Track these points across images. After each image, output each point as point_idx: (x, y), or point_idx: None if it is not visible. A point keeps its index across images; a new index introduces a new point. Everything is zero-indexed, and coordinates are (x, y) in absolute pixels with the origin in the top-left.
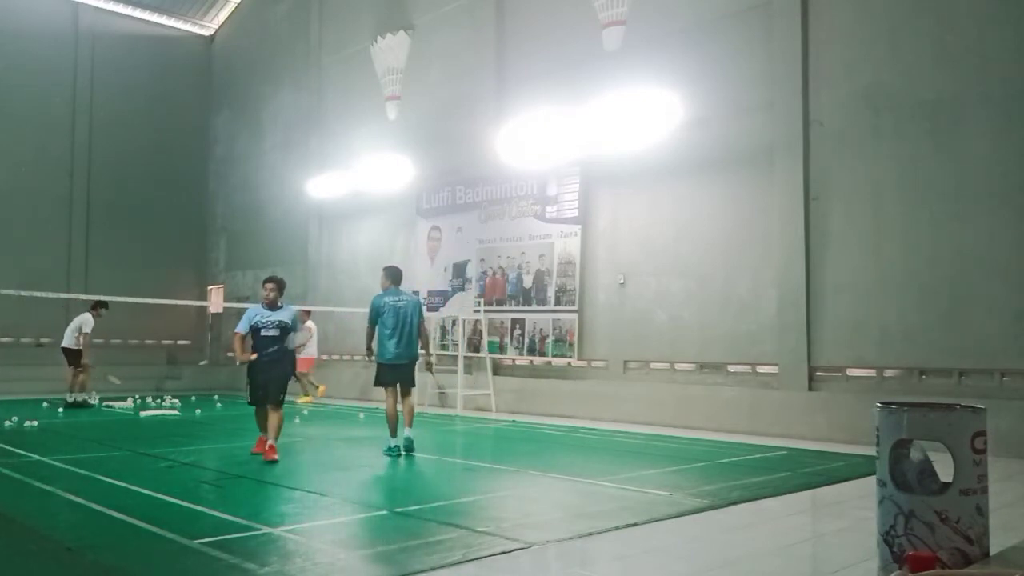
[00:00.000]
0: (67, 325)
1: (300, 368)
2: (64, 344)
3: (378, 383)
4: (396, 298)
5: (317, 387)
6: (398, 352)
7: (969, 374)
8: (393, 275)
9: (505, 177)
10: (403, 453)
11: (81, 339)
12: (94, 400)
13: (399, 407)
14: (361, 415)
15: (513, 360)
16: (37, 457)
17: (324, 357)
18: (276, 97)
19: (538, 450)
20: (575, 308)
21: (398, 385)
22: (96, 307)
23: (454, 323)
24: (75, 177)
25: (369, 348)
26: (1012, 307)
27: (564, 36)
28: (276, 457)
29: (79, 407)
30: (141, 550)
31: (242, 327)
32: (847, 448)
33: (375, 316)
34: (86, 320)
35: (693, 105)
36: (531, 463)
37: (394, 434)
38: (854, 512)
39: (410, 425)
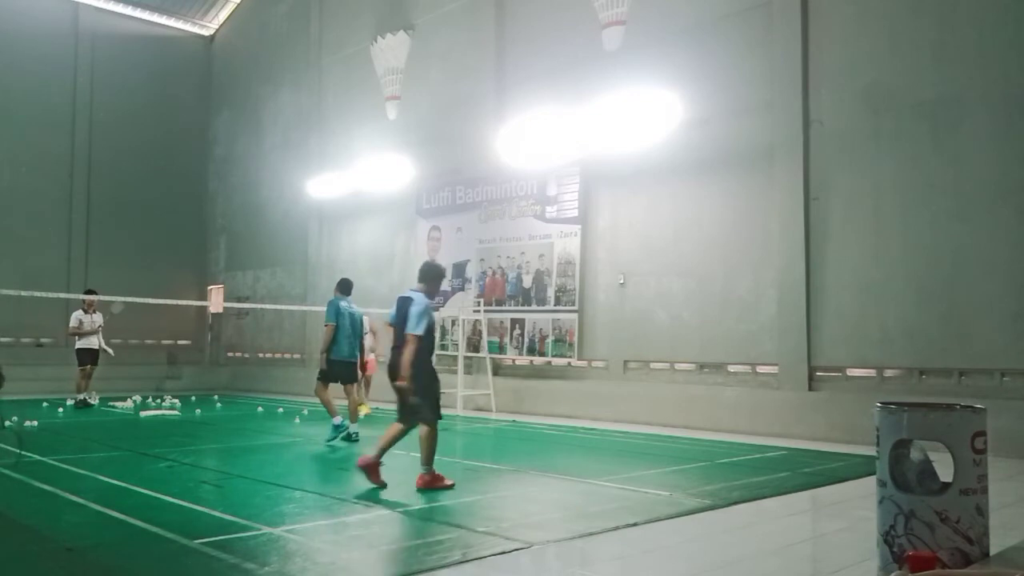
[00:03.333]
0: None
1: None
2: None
3: (328, 379)
4: (348, 306)
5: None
6: (351, 351)
7: (969, 374)
8: (345, 286)
9: (505, 177)
10: (347, 438)
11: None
12: (94, 400)
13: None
14: (361, 414)
15: (513, 360)
16: (37, 457)
17: None
18: (276, 97)
19: (538, 450)
20: (575, 308)
21: (340, 381)
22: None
23: (454, 323)
24: (75, 177)
25: (327, 348)
26: (1012, 307)
27: (564, 36)
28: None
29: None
30: (141, 550)
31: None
32: (847, 448)
33: (335, 316)
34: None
35: (693, 105)
36: (531, 463)
37: (335, 414)
38: (854, 512)
39: (354, 420)
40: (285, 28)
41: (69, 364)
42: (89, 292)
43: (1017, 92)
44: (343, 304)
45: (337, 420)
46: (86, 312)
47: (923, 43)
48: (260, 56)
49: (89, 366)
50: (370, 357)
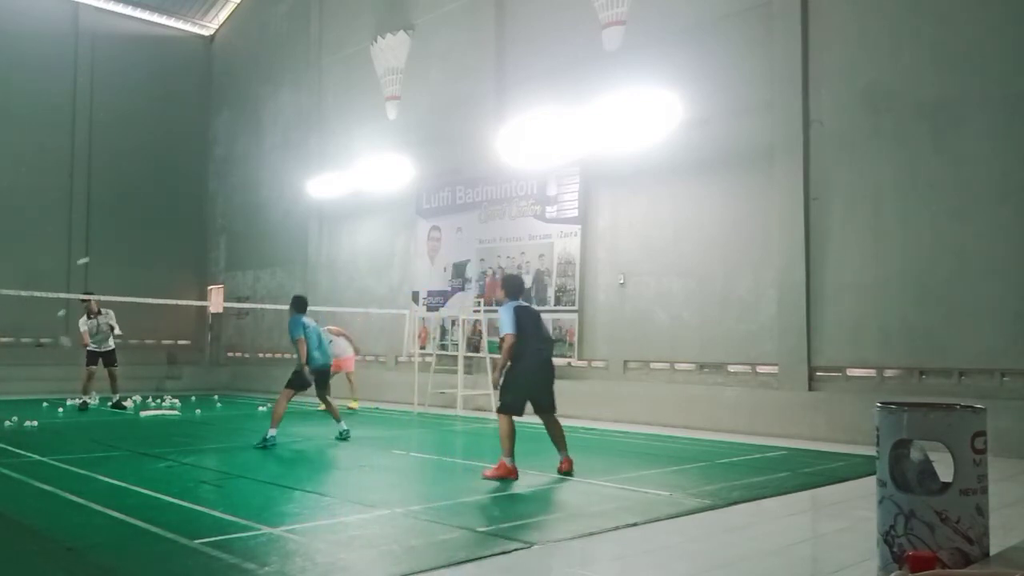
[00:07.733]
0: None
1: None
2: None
3: (301, 386)
4: (309, 320)
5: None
6: (326, 360)
7: (969, 374)
8: (301, 304)
9: (505, 177)
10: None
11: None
12: (93, 400)
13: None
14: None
15: None
16: (37, 457)
17: None
18: (276, 97)
19: (538, 450)
20: (575, 308)
21: (315, 386)
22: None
23: (454, 323)
24: (75, 177)
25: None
26: (1012, 307)
27: (564, 36)
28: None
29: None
30: (141, 550)
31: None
32: (847, 448)
33: (303, 330)
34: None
35: (693, 105)
36: (531, 463)
37: (276, 426)
38: (854, 512)
39: (339, 419)
40: (285, 28)
41: (69, 364)
42: (87, 294)
43: (1017, 92)
44: (305, 319)
45: (272, 432)
46: (90, 318)
47: (923, 43)
48: (260, 56)
49: (95, 368)
50: (348, 356)
